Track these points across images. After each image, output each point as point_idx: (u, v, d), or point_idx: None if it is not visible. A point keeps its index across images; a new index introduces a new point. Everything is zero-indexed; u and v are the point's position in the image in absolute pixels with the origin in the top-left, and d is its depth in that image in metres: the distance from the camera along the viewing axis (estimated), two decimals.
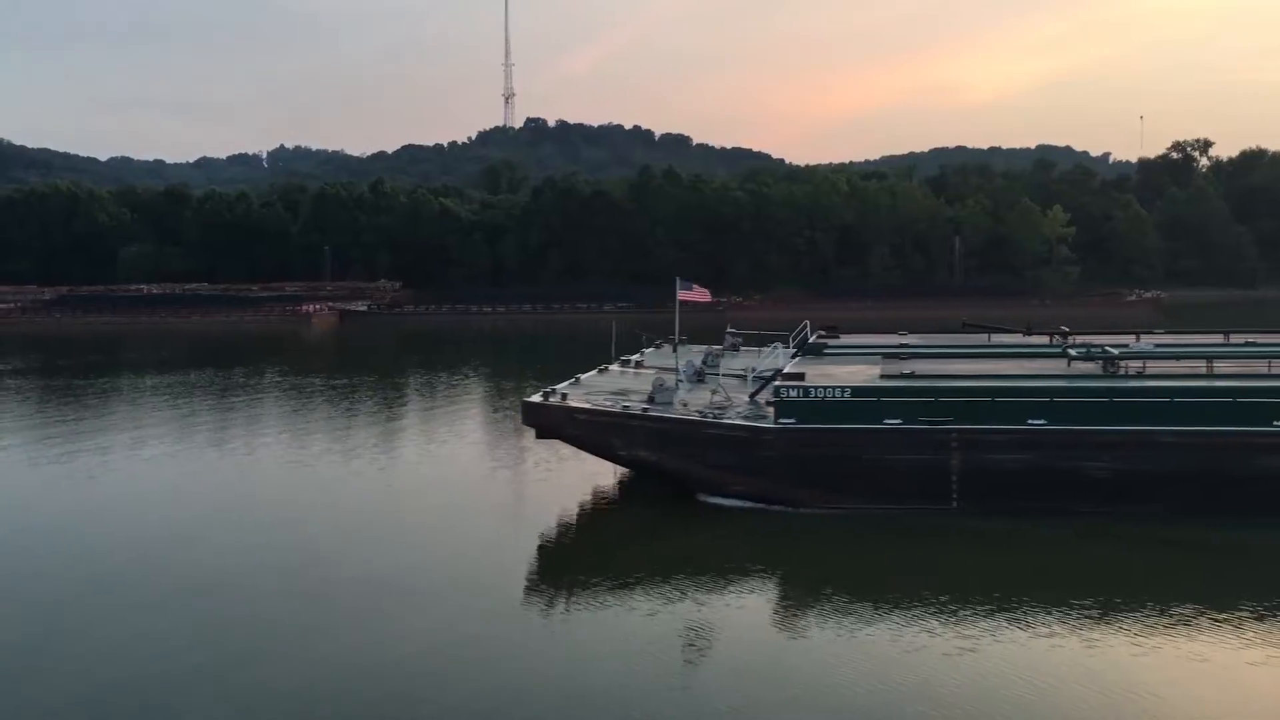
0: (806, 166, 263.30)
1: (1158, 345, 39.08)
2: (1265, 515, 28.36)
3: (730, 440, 30.58)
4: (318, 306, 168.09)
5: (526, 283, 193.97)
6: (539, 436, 34.38)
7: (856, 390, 30.34)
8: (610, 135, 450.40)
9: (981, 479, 29.06)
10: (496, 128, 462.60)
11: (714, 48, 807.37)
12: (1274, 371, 32.29)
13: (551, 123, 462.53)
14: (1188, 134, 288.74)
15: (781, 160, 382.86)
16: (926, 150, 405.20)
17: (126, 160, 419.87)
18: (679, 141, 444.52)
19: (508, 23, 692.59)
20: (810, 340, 42.09)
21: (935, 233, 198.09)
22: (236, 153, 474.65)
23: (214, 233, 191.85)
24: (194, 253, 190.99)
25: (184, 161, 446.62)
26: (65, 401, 62.05)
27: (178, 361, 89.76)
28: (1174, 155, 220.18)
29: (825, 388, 30.33)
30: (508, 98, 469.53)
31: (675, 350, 38.71)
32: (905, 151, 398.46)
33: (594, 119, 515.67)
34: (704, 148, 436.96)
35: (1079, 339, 41.09)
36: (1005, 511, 28.88)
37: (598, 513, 32.99)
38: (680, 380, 35.22)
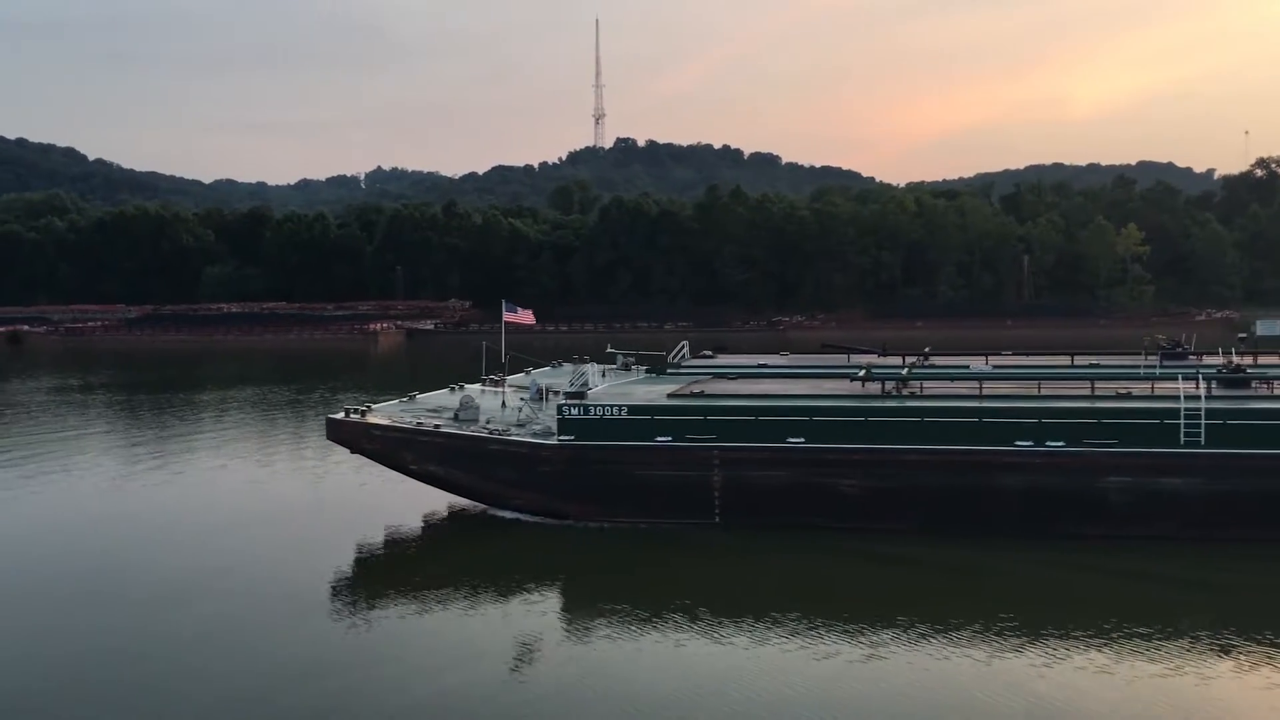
0: (881, 184, 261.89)
1: (996, 367, 39.25)
2: (1008, 533, 28.84)
3: (512, 456, 31.88)
4: (385, 325, 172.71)
5: (594, 301, 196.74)
6: (353, 451, 35.37)
7: (632, 409, 31.49)
8: (699, 154, 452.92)
9: (742, 495, 30.12)
10: (586, 148, 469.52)
11: (809, 68, 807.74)
12: (1030, 393, 32.56)
13: (641, 142, 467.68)
14: None
15: (871, 179, 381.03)
16: (1022, 167, 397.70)
17: (230, 183, 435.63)
18: (767, 160, 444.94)
19: (598, 45, 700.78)
20: (670, 359, 43.48)
21: (1004, 251, 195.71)
22: (335, 174, 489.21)
23: (292, 253, 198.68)
24: (273, 272, 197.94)
25: (285, 184, 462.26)
26: (125, 414, 66.11)
27: (225, 379, 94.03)
28: (1258, 172, 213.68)
29: (603, 406, 31.55)
30: (598, 118, 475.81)
31: (503, 369, 39.96)
32: (1001, 169, 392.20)
33: (683, 139, 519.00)
34: (793, 166, 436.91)
35: (936, 360, 41.85)
36: (764, 526, 29.87)
37: (407, 525, 33.90)
38: (524, 400, 36.61)
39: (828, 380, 35.95)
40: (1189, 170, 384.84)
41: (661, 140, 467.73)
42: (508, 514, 32.50)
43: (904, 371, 35.75)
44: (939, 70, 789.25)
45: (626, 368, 41.98)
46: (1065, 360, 40.78)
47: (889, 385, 33.45)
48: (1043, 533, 28.76)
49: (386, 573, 29.21)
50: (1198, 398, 28.53)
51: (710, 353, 47.31)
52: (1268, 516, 28.10)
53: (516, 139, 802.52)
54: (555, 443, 31.41)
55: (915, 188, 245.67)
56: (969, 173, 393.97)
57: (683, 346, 45.11)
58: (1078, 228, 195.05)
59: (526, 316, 40.47)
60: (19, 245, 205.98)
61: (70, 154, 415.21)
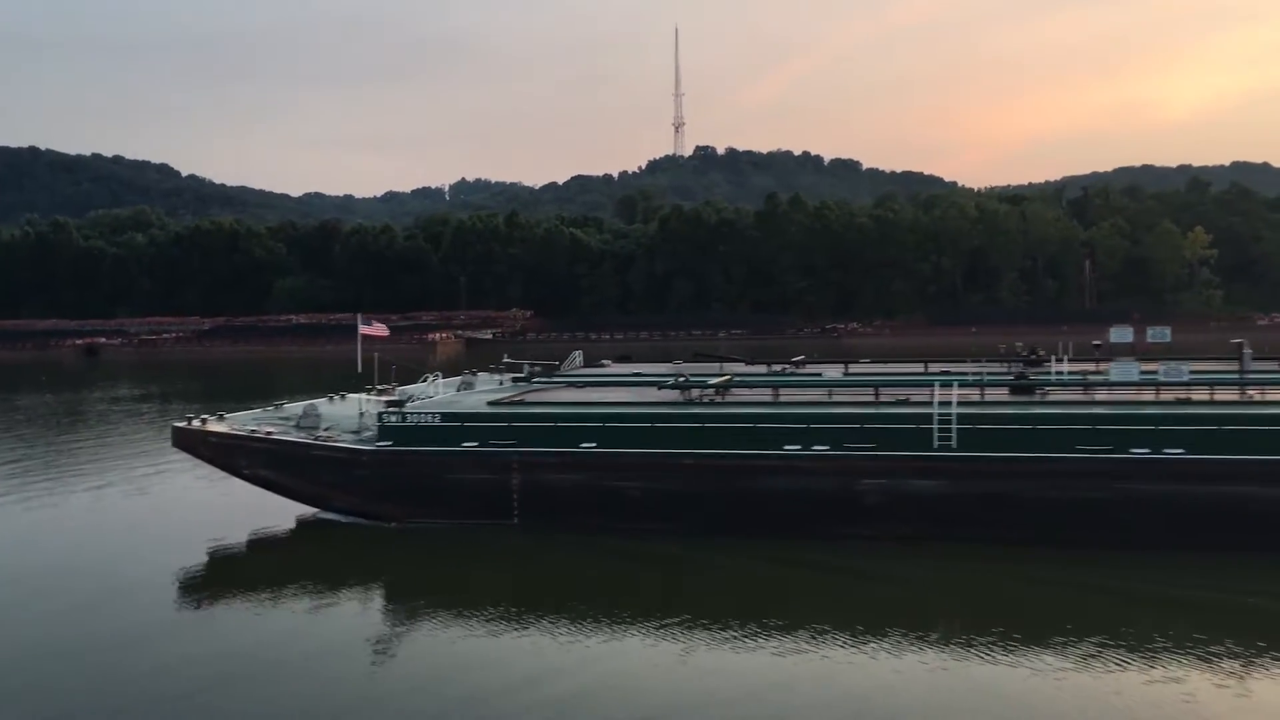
0: (945, 189, 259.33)
1: (846, 375, 39.98)
2: (778, 534, 29.77)
3: (333, 461, 33.59)
4: (444, 335, 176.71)
5: (653, 310, 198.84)
6: (195, 457, 36.71)
7: (445, 416, 33.16)
8: (779, 161, 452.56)
9: (538, 498, 31.55)
10: (666, 156, 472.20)
11: (889, 75, 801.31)
12: (820, 399, 33.44)
13: (720, 150, 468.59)
14: None
15: (954, 183, 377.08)
16: (1110, 170, 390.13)
17: (318, 196, 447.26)
18: (848, 166, 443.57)
19: (678, 54, 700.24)
20: (561, 367, 45.05)
21: (1068, 256, 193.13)
22: (420, 186, 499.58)
23: (360, 265, 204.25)
24: (342, 284, 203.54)
25: (372, 196, 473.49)
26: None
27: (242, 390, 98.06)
28: None
29: (419, 413, 33.27)
30: (677, 126, 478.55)
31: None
32: (1088, 172, 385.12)
33: (764, 146, 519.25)
34: (874, 172, 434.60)
35: (811, 366, 42.55)
36: (560, 527, 31.27)
37: (235, 533, 34.69)
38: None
39: (655, 389, 36.76)
40: None
41: (741, 148, 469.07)
42: (333, 516, 34.34)
43: (726, 379, 36.91)
44: (1023, 74, 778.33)
45: (531, 378, 43.22)
46: (919, 368, 41.74)
47: (695, 393, 34.51)
48: (808, 533, 29.64)
49: (211, 575, 30.50)
50: (949, 404, 29.34)
51: (608, 361, 48.69)
52: (1015, 518, 28.85)
53: (598, 149, 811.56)
54: (373, 448, 33.12)
55: (983, 193, 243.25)
56: (1055, 176, 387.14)
57: (575, 356, 46.65)
58: (1144, 231, 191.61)
59: (380, 330, 42.18)
60: (101, 260, 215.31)
61: (164, 170, 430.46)
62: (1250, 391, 32.42)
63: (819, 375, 39.92)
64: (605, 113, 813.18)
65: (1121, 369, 33.29)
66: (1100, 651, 21.82)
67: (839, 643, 23.01)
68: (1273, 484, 27.77)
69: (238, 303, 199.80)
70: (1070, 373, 37.56)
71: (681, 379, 35.97)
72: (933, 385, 30.50)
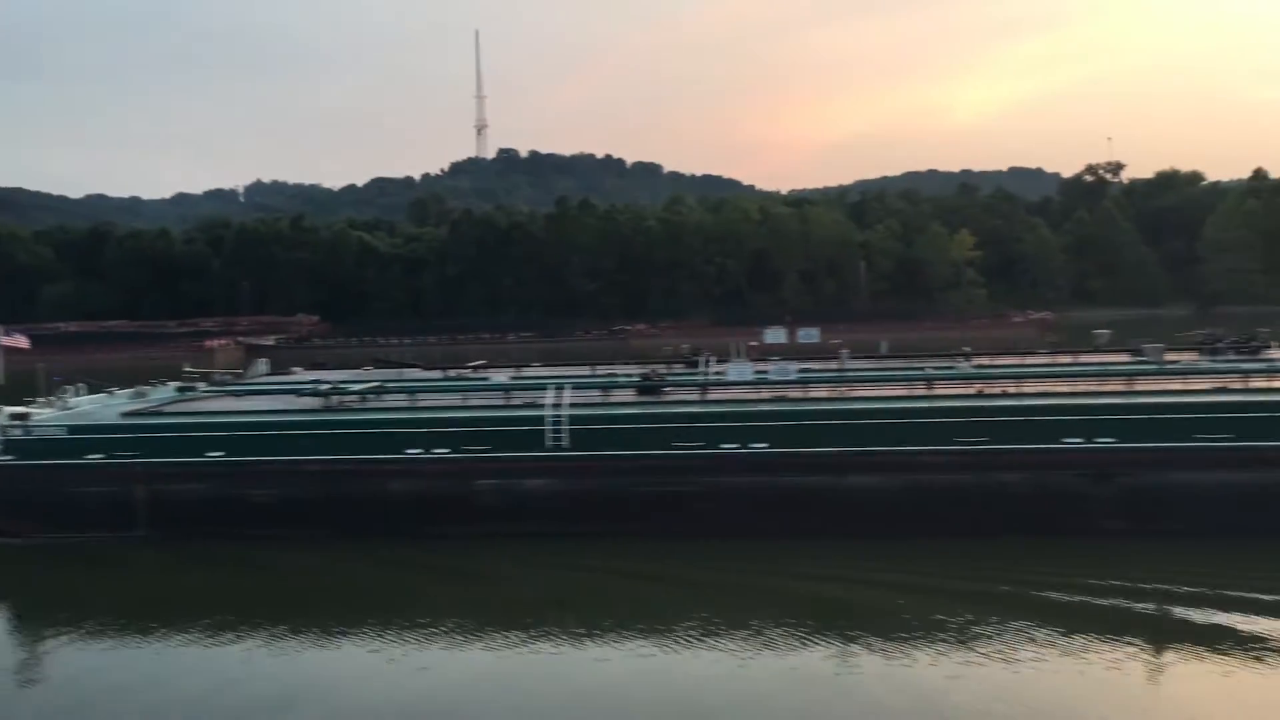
0: (737, 194, 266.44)
1: (513, 378, 40.85)
2: (403, 536, 30.81)
3: None
4: (224, 342, 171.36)
5: (445, 315, 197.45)
6: None
7: (72, 429, 33.30)
8: (582, 165, 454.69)
9: (165, 508, 31.90)
10: (469, 159, 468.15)
11: (691, 80, 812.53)
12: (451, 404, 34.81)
13: (523, 153, 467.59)
14: (1164, 155, 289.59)
15: (751, 187, 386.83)
16: (899, 174, 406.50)
17: (101, 198, 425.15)
18: (649, 170, 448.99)
19: (479, 55, 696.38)
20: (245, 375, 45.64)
21: (847, 258, 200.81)
22: (213, 188, 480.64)
23: (136, 270, 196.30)
24: (117, 290, 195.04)
25: (160, 198, 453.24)
26: None
27: None
28: (1087, 177, 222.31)
29: (45, 426, 33.33)
30: (480, 129, 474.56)
31: None
32: (878, 176, 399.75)
33: (567, 149, 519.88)
34: (675, 175, 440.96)
35: (479, 372, 44.07)
36: (191, 538, 31.67)
37: None
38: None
39: (303, 397, 37.41)
40: (1056, 175, 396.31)
41: (544, 151, 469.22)
42: None
43: (373, 385, 37.84)
44: (822, 80, 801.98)
45: (191, 388, 42.83)
46: (586, 370, 43.66)
47: (335, 400, 35.23)
48: (433, 534, 30.66)
49: None
50: (562, 406, 31.02)
51: (296, 369, 49.09)
52: (622, 513, 30.46)
53: (400, 151, 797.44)
54: None
55: (771, 196, 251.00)
56: (849, 180, 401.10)
57: (259, 364, 46.82)
58: (916, 233, 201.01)
59: (21, 341, 41.61)
60: None
61: None
62: (841, 388, 34.98)
63: (485, 379, 40.98)
64: (407, 114, 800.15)
65: (737, 369, 35.43)
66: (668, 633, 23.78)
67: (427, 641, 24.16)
68: (851, 473, 30.13)
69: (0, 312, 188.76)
70: (715, 373, 39.67)
71: (325, 386, 36.43)
72: (548, 389, 31.90)
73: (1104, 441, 30.38)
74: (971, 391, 33.78)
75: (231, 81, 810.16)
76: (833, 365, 39.56)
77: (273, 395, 38.73)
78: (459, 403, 34.73)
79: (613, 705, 20.88)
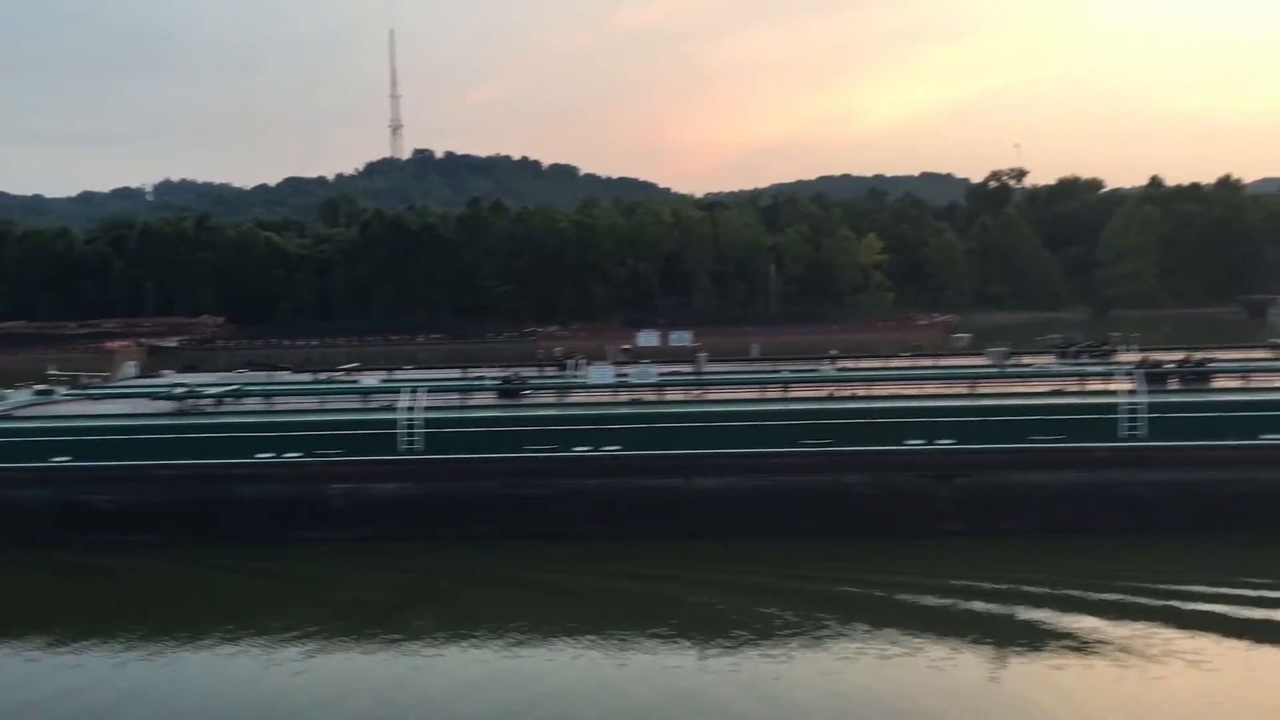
0: (655, 197, 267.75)
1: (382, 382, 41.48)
2: (253, 542, 30.93)
3: None
4: (125, 343, 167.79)
5: (355, 316, 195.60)
6: None
7: None
8: (498, 166, 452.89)
9: (6, 514, 31.60)
10: (384, 159, 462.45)
11: (611, 82, 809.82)
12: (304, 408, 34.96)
13: (439, 154, 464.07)
14: (1068, 162, 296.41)
15: (668, 190, 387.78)
16: (814, 178, 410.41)
17: (3, 195, 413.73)
18: (566, 172, 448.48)
19: (394, 55, 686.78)
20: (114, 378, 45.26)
21: (757, 261, 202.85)
22: (120, 186, 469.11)
23: (34, 270, 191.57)
24: (15, 291, 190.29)
25: (65, 196, 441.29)
26: None
27: None
28: (991, 184, 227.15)
29: None
30: (395, 129, 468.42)
31: None
32: (794, 180, 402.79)
33: (484, 150, 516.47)
34: (591, 178, 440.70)
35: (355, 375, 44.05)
36: (30, 543, 31.42)
37: None
38: None
39: (156, 401, 37.15)
40: (966, 181, 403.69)
41: (460, 152, 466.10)
42: None
43: (232, 389, 37.80)
44: (740, 84, 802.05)
45: (52, 391, 42.17)
46: (457, 373, 43.84)
47: (190, 404, 35.09)
48: (284, 539, 30.74)
49: None
50: (416, 409, 31.31)
51: (168, 372, 48.68)
52: (473, 516, 30.83)
53: (314, 150, 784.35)
54: None
55: (684, 200, 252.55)
56: (766, 184, 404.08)
57: (127, 367, 46.39)
58: (826, 237, 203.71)
59: None
60: None
61: None
62: (696, 391, 35.67)
63: (354, 382, 40.88)
64: (322, 113, 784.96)
65: (598, 372, 35.94)
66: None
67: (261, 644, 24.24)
68: (700, 475, 30.77)
69: None
70: (576, 377, 40.03)
71: (180, 389, 36.19)
72: (400, 391, 32.06)
73: (944, 443, 31.42)
74: (823, 394, 34.65)
75: (141, 79, 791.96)
76: (695, 369, 40.26)
77: (130, 399, 38.26)
78: (315, 406, 34.68)
79: (466, 711, 21.19)
